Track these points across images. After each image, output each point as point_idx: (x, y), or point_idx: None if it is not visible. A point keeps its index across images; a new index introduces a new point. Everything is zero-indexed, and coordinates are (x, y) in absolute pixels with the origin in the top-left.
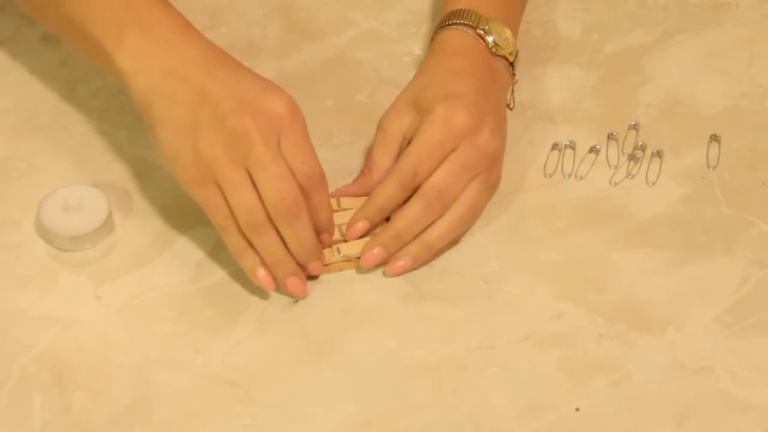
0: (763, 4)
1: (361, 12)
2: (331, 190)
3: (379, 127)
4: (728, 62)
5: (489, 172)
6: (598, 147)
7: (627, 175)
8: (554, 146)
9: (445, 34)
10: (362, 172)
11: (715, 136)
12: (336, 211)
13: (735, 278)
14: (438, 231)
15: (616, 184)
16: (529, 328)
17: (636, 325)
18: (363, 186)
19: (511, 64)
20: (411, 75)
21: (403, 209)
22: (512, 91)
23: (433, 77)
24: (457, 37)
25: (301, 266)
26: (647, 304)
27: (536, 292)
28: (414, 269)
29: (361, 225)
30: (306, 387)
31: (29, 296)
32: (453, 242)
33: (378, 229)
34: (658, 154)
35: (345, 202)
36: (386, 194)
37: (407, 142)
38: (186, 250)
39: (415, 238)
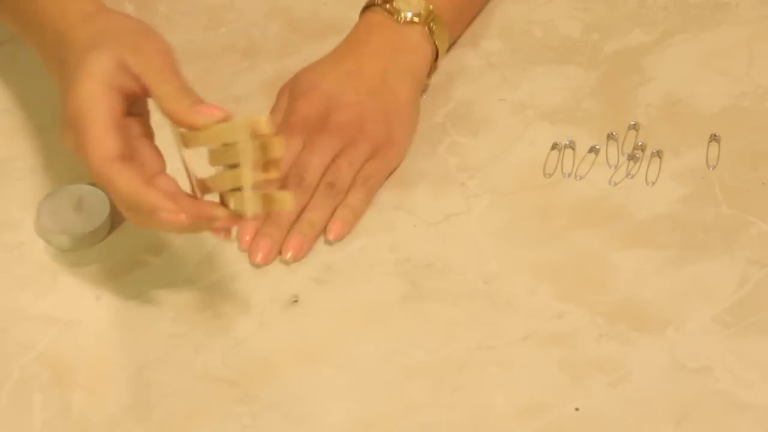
0: (762, 4)
1: None
2: None
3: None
4: (728, 62)
5: (355, 144)
6: (597, 147)
7: (627, 175)
8: (554, 146)
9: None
10: None
11: (715, 136)
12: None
13: (735, 278)
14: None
15: (615, 184)
16: (529, 328)
17: (636, 325)
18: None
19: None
20: None
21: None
22: (435, 59)
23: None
24: (366, 17)
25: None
26: (647, 304)
27: (536, 292)
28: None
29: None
30: (306, 387)
31: (29, 296)
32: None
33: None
34: (658, 154)
35: None
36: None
37: None
38: (186, 251)
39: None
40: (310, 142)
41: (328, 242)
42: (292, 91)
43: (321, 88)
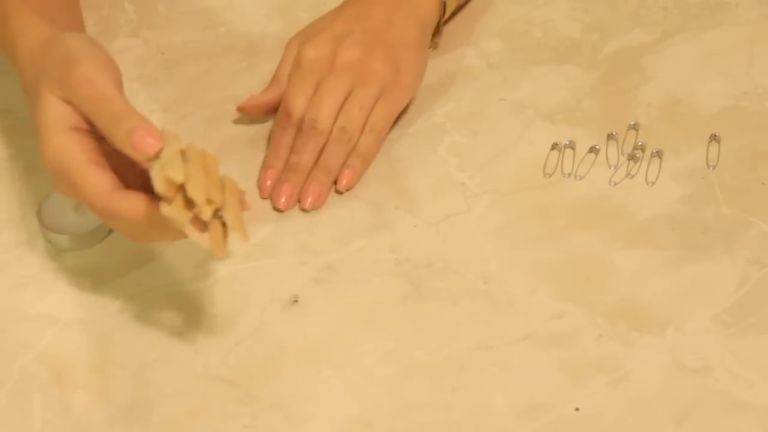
0: (762, 4)
1: None
2: None
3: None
4: (728, 62)
5: (364, 84)
6: (597, 147)
7: (627, 175)
8: (554, 146)
9: None
10: (270, 84)
11: (715, 136)
12: None
13: (735, 278)
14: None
15: (615, 184)
16: (529, 328)
17: (636, 325)
18: (273, 93)
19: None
20: None
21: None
22: (441, 20)
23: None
24: None
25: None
26: (647, 304)
27: (536, 292)
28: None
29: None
30: (306, 387)
31: (29, 296)
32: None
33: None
34: (658, 154)
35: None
36: (284, 141)
37: None
38: (186, 250)
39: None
40: (320, 86)
41: (339, 192)
42: (300, 39)
43: (328, 32)
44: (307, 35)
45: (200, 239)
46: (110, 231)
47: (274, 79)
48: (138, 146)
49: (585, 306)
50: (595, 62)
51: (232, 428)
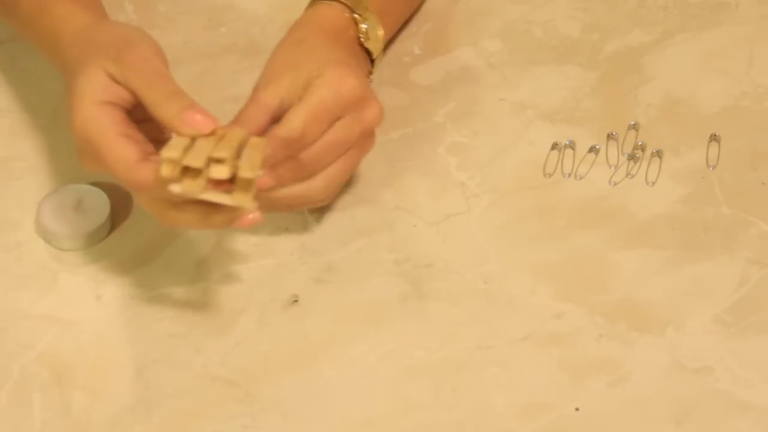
0: (762, 4)
1: None
2: None
3: (255, 90)
4: (728, 62)
5: (363, 146)
6: (597, 147)
7: (627, 175)
8: (554, 146)
9: (320, 7)
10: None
11: (715, 136)
12: None
13: (735, 278)
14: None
15: (615, 183)
16: (529, 327)
17: (636, 325)
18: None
19: (372, 61)
20: (411, 75)
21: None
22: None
23: (312, 43)
24: (331, 13)
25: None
26: (647, 304)
27: (536, 292)
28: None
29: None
30: (306, 387)
31: (29, 296)
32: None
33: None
34: (658, 153)
35: None
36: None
37: (283, 110)
38: (186, 250)
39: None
40: (339, 129)
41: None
42: (320, 65)
43: (356, 69)
44: (321, 59)
45: (221, 198)
46: (110, 231)
47: (243, 120)
48: (189, 120)
49: (585, 306)
50: (595, 62)
51: (232, 428)
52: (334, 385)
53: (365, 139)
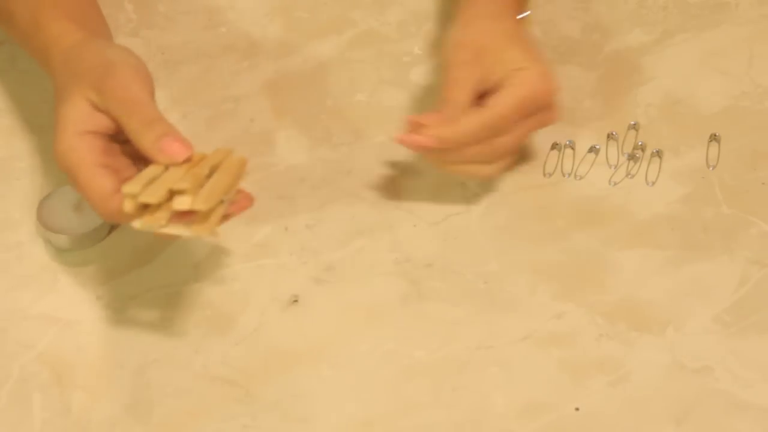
0: (762, 4)
1: (361, 12)
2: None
3: (450, 68)
4: (728, 62)
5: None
6: (597, 147)
7: (627, 175)
8: (554, 146)
9: None
10: (433, 113)
11: (715, 135)
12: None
13: (735, 278)
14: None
15: (615, 183)
16: (529, 327)
17: (636, 325)
18: (442, 120)
19: None
20: (411, 75)
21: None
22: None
23: (492, 26)
24: None
25: None
26: (647, 304)
27: (536, 291)
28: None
29: (425, 139)
30: (306, 387)
31: (29, 296)
32: None
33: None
34: (658, 153)
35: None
36: (468, 134)
37: (481, 90)
38: (185, 250)
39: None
40: (533, 122)
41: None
42: (518, 55)
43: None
44: (517, 48)
45: (180, 231)
46: (110, 231)
47: (448, 102)
48: (166, 149)
49: (585, 306)
50: (595, 62)
51: (232, 428)
52: (334, 385)
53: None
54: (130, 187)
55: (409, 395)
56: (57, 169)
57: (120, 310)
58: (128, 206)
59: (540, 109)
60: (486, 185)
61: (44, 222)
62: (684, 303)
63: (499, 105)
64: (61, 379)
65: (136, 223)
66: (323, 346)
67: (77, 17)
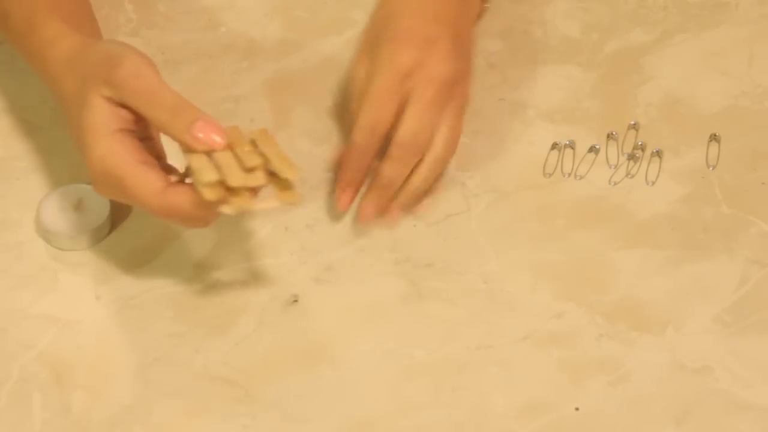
0: (762, 4)
1: (361, 12)
2: None
3: (349, 81)
4: (728, 62)
5: (453, 98)
6: (597, 147)
7: (627, 175)
8: (554, 146)
9: None
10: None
11: (715, 135)
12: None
13: (735, 278)
14: (420, 176)
15: (615, 183)
16: (529, 327)
17: (636, 325)
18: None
19: None
20: None
21: (382, 164)
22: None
23: (383, 13)
24: None
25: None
26: (647, 304)
27: (536, 291)
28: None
29: (348, 192)
30: (306, 387)
31: (29, 296)
32: (438, 177)
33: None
34: (658, 153)
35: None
36: (355, 155)
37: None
38: (186, 250)
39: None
40: (415, 98)
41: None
42: (380, 45)
43: (416, 31)
44: (383, 37)
45: (268, 205)
46: (110, 231)
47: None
48: (203, 139)
49: (585, 306)
50: (595, 62)
51: (232, 428)
52: (334, 385)
53: (450, 89)
54: (207, 176)
55: (409, 395)
56: (57, 169)
57: (120, 309)
58: (212, 195)
59: (409, 81)
60: (486, 185)
61: (44, 222)
62: (684, 303)
63: (407, 119)
64: (61, 379)
65: (228, 209)
66: (323, 346)
67: (73, 19)
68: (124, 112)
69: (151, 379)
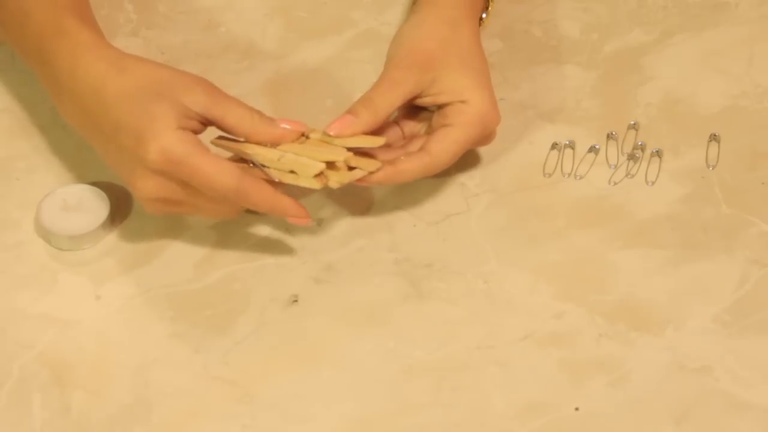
0: (762, 4)
1: (361, 12)
2: None
3: (392, 67)
4: (728, 62)
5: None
6: (597, 147)
7: (626, 175)
8: (554, 146)
9: None
10: (353, 110)
11: (715, 135)
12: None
13: (734, 278)
14: (412, 173)
15: (615, 183)
16: (529, 327)
17: (636, 325)
18: (353, 126)
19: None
20: None
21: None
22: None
23: (447, 35)
24: None
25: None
26: (647, 304)
27: (536, 291)
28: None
29: (344, 116)
30: (305, 387)
31: (29, 296)
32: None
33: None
34: (658, 153)
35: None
36: (410, 175)
37: (413, 98)
38: (185, 250)
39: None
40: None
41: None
42: (456, 79)
43: (488, 78)
44: (455, 67)
45: (361, 173)
46: (110, 231)
47: (369, 105)
48: (287, 135)
49: (585, 306)
50: (594, 62)
51: (232, 428)
52: (334, 385)
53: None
54: (313, 168)
55: (408, 395)
56: (57, 169)
57: (120, 310)
58: (318, 184)
59: (479, 142)
60: (486, 185)
61: (44, 222)
62: (684, 303)
63: (443, 153)
64: (61, 379)
65: (334, 183)
66: (323, 346)
67: (76, 8)
68: (193, 123)
69: (150, 379)
